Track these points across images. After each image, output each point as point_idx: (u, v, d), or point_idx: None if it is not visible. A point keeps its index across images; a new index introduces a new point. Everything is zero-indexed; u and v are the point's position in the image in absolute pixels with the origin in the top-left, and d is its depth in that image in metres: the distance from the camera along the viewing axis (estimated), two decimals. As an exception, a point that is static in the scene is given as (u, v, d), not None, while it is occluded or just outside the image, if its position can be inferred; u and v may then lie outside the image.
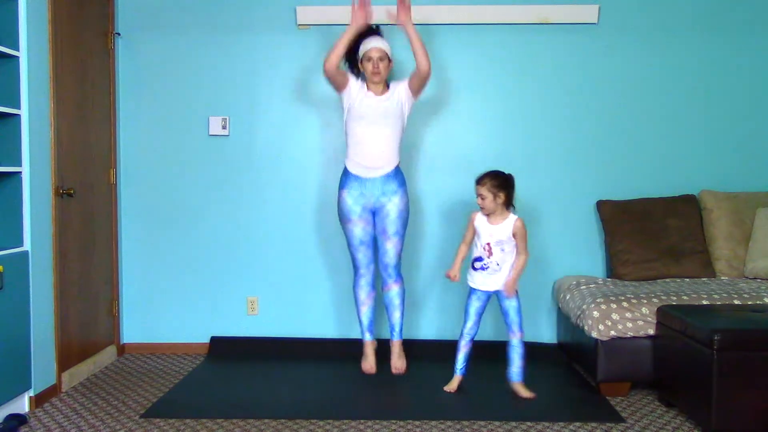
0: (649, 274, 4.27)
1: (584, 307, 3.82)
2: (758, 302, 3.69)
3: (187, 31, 4.59)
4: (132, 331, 4.68)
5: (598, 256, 4.60)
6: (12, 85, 3.49)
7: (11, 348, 3.39)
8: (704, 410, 3.16)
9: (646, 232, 4.34)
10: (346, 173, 3.97)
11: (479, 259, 3.71)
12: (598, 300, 3.77)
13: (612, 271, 4.41)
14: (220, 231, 4.64)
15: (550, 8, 4.49)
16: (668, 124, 4.57)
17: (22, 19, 3.50)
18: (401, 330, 4.09)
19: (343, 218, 3.99)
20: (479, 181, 3.68)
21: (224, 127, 4.60)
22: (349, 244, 4.01)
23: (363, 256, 3.99)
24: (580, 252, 4.60)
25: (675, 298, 3.74)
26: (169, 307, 4.67)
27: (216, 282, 4.66)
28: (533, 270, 4.59)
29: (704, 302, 3.71)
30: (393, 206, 3.93)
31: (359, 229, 3.95)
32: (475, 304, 3.79)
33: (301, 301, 4.65)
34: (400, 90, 3.94)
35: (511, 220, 3.68)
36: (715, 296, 3.76)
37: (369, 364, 4.07)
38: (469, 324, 3.80)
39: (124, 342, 4.67)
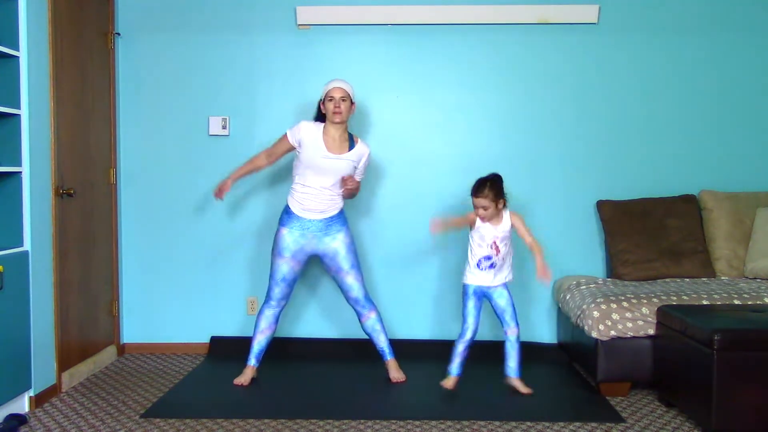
0: (649, 274, 4.27)
1: (584, 307, 3.82)
2: (758, 302, 3.69)
3: (187, 31, 4.59)
4: (132, 331, 4.68)
5: (598, 256, 4.60)
6: (12, 85, 3.49)
7: (11, 348, 3.39)
8: (704, 410, 3.16)
9: (646, 232, 4.34)
10: (287, 211, 3.93)
11: (488, 257, 3.71)
12: (598, 300, 3.77)
13: (612, 271, 4.41)
14: (220, 231, 4.64)
15: (550, 8, 4.49)
16: (668, 124, 4.57)
17: (22, 19, 3.50)
18: (391, 349, 4.06)
19: (275, 251, 3.94)
20: (478, 193, 3.64)
21: (224, 127, 4.60)
22: (271, 277, 3.96)
23: (279, 291, 3.96)
24: (580, 252, 4.60)
25: (675, 298, 3.74)
26: (169, 307, 4.67)
27: (216, 282, 4.66)
28: (533, 270, 4.58)
29: (704, 302, 3.71)
30: (340, 243, 3.92)
31: (287, 267, 3.92)
32: (476, 304, 3.78)
33: (301, 301, 4.65)
34: (356, 158, 3.90)
35: (507, 216, 3.72)
36: (715, 296, 3.76)
37: (244, 379, 3.96)
38: (471, 327, 3.76)
39: (124, 342, 4.67)
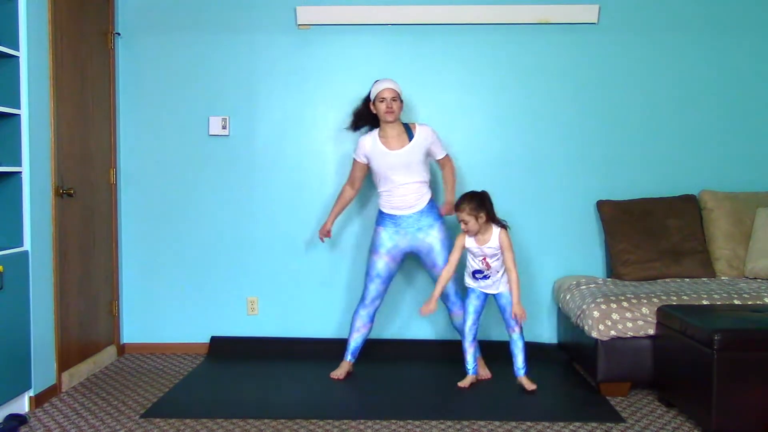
0: (649, 274, 4.27)
1: (584, 307, 3.82)
2: (758, 302, 3.69)
3: (187, 31, 4.59)
4: (132, 331, 4.68)
5: (598, 256, 4.60)
6: (12, 85, 3.49)
7: (11, 348, 3.39)
8: (704, 410, 3.16)
9: (646, 232, 4.34)
10: (380, 213, 4.04)
11: (479, 271, 3.80)
12: (598, 300, 3.77)
13: (612, 271, 4.41)
14: (220, 231, 4.64)
15: (550, 8, 4.49)
16: (669, 123, 4.57)
17: (22, 19, 3.50)
18: (478, 350, 4.07)
19: (372, 249, 4.05)
20: (457, 207, 3.74)
21: (224, 127, 4.60)
22: (367, 274, 4.05)
23: (375, 288, 4.03)
24: (580, 252, 4.60)
25: (675, 298, 3.74)
26: (169, 307, 4.67)
27: (216, 282, 4.66)
28: (533, 270, 4.60)
29: (704, 302, 3.71)
30: (434, 239, 3.97)
31: (382, 263, 4.00)
32: (474, 303, 3.87)
33: (301, 301, 4.65)
34: (421, 143, 3.96)
35: (495, 232, 3.75)
36: (715, 296, 3.76)
37: (338, 373, 4.06)
38: (469, 323, 3.87)
39: (124, 342, 4.67)
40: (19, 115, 3.51)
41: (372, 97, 3.99)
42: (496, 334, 4.53)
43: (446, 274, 3.86)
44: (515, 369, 3.84)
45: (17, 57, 3.49)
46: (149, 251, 4.65)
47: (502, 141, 4.59)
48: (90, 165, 4.23)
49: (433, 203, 4.03)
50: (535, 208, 4.58)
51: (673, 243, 4.31)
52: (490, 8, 4.49)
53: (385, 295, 4.13)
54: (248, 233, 4.64)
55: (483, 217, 3.71)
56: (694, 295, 3.77)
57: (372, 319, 4.10)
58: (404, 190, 3.94)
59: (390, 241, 3.98)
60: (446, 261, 3.94)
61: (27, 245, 3.55)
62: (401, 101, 3.99)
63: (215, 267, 4.65)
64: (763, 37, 4.55)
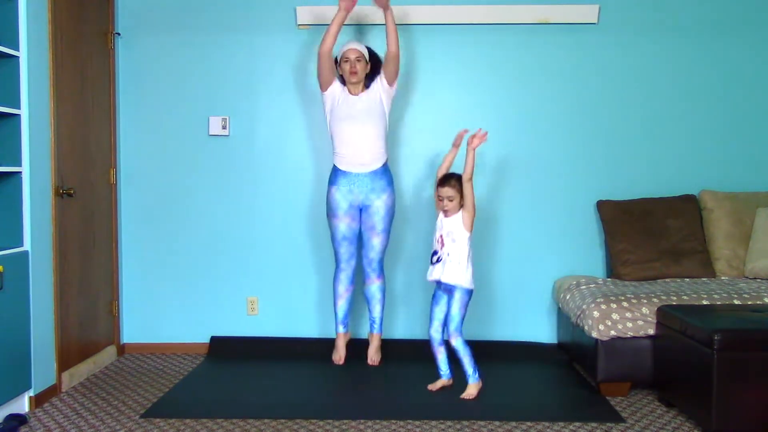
0: (649, 274, 4.27)
1: (584, 307, 3.82)
2: (758, 302, 3.69)
3: (187, 31, 4.59)
4: (132, 331, 4.68)
5: (598, 256, 4.60)
6: (12, 85, 3.49)
7: (11, 348, 3.39)
8: (704, 410, 3.16)
9: (646, 232, 4.34)
10: (335, 170, 4.09)
11: (435, 252, 3.74)
12: (598, 300, 3.77)
13: (612, 271, 4.41)
14: (220, 231, 4.64)
15: (550, 8, 4.49)
16: (669, 124, 4.57)
17: (22, 19, 3.50)
18: (381, 324, 4.21)
19: (329, 213, 4.12)
20: (444, 183, 3.69)
21: (224, 127, 4.60)
22: (333, 238, 4.14)
23: (345, 250, 4.11)
24: (580, 252, 4.60)
25: (675, 298, 3.74)
26: (169, 307, 4.67)
27: (216, 282, 4.66)
28: (533, 270, 4.60)
29: (704, 302, 3.71)
30: (381, 203, 4.05)
31: (344, 225, 4.06)
32: (436, 308, 3.78)
33: (301, 301, 4.65)
34: (377, 85, 4.07)
35: (459, 212, 3.70)
36: (715, 296, 3.76)
37: (339, 355, 4.19)
38: (432, 328, 3.79)
39: (124, 342, 4.67)
40: (19, 115, 3.51)
41: (338, 58, 4.05)
42: (497, 334, 4.53)
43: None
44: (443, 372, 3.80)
45: (17, 57, 3.49)
46: (149, 251, 4.65)
47: (501, 141, 4.58)
48: (90, 165, 4.23)
49: (387, 167, 4.10)
50: (535, 208, 4.58)
51: (673, 243, 4.31)
52: (490, 8, 4.49)
53: (356, 256, 4.16)
54: (248, 233, 4.64)
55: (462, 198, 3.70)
56: (694, 295, 3.77)
57: (352, 281, 4.16)
58: (362, 143, 3.98)
59: (344, 201, 4.04)
60: (384, 229, 4.06)
61: (27, 245, 3.55)
62: (367, 62, 4.05)
63: (215, 267, 4.65)
64: (763, 38, 4.55)
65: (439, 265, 3.71)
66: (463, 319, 3.70)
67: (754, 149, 4.57)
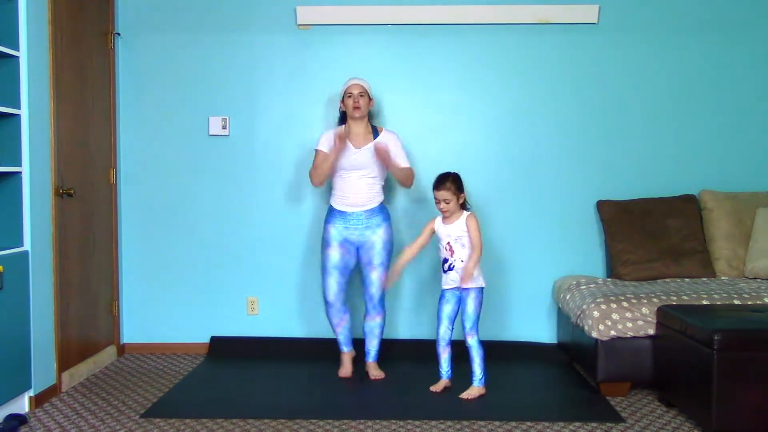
0: (649, 274, 4.27)
1: (584, 307, 3.82)
2: (758, 302, 3.69)
3: (187, 31, 4.59)
4: (132, 331, 4.68)
5: (598, 256, 4.60)
6: (12, 85, 3.48)
7: (11, 348, 3.39)
8: (704, 410, 3.16)
9: (646, 232, 4.34)
10: (331, 210, 4.06)
11: (445, 260, 3.75)
12: (598, 300, 3.77)
13: (612, 271, 4.41)
14: (220, 231, 4.64)
15: (550, 8, 4.49)
16: (668, 123, 4.57)
17: (22, 19, 3.50)
18: (377, 354, 4.15)
19: (323, 244, 4.06)
20: (440, 185, 3.69)
21: (224, 127, 4.60)
22: (323, 268, 4.05)
23: (334, 281, 4.02)
24: (580, 252, 4.60)
25: (675, 298, 3.74)
26: (169, 307, 4.67)
27: (216, 282, 4.66)
28: (533, 270, 4.60)
29: (704, 302, 3.71)
30: (378, 238, 4.01)
31: (337, 254, 4.01)
32: (445, 308, 3.79)
33: (301, 301, 4.65)
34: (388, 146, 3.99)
35: (463, 216, 3.71)
36: (715, 296, 3.76)
37: (345, 370, 4.13)
38: (442, 328, 3.80)
39: (124, 342, 4.67)
40: (19, 115, 3.51)
41: (341, 93, 4.04)
42: (497, 334, 4.53)
43: (409, 251, 3.84)
44: (472, 376, 3.75)
45: (17, 57, 3.49)
46: (149, 251, 4.65)
47: (501, 141, 4.59)
48: (90, 165, 4.23)
49: (384, 206, 4.07)
50: (535, 208, 4.58)
51: (673, 243, 4.31)
52: (490, 8, 4.49)
53: (347, 289, 4.10)
54: (248, 233, 4.64)
55: (462, 197, 3.71)
56: (694, 295, 3.77)
57: (345, 310, 4.11)
58: (358, 188, 3.96)
59: (339, 235, 4.00)
60: (382, 263, 3.99)
61: (27, 245, 3.55)
62: (370, 98, 4.04)
63: (215, 267, 4.65)
64: (763, 37, 4.55)
65: (453, 273, 3.72)
66: (479, 317, 3.73)
67: (754, 149, 4.57)
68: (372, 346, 4.13)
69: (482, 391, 3.73)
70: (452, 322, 3.80)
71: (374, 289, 4.05)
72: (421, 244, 3.85)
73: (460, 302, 3.76)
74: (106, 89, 4.45)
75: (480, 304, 3.74)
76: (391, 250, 4.08)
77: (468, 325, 3.72)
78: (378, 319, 4.10)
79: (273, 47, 4.59)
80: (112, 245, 4.52)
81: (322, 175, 4.00)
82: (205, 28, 4.58)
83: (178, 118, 4.62)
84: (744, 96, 4.56)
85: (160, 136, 4.63)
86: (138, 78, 4.61)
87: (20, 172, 3.52)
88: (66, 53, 3.91)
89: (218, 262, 4.65)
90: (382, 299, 4.09)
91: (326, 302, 4.09)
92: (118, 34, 4.56)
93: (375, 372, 4.09)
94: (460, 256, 3.70)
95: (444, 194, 3.68)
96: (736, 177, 4.55)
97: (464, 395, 3.69)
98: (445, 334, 3.80)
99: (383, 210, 4.06)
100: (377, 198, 4.03)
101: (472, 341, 3.73)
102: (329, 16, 4.52)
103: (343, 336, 4.14)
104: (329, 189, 4.15)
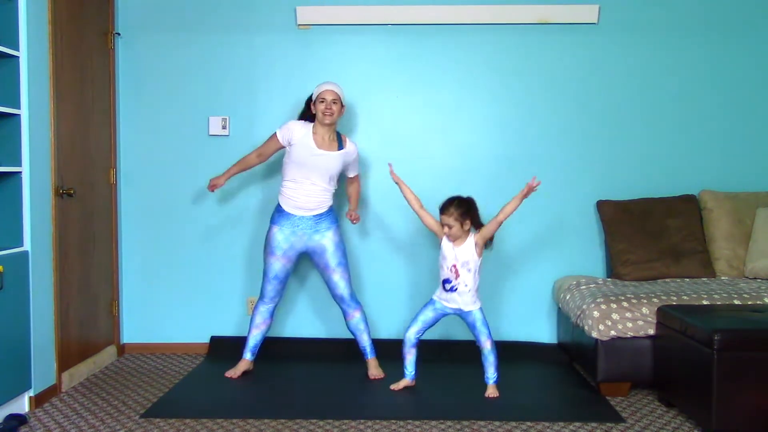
0: (649, 274, 4.27)
1: (584, 307, 3.82)
2: (758, 302, 3.69)
3: (187, 31, 4.59)
4: (132, 331, 4.68)
5: (598, 256, 4.60)
6: (12, 85, 3.48)
7: (11, 348, 3.39)
8: (704, 410, 3.16)
9: (646, 232, 4.34)
10: (279, 210, 4.03)
11: (448, 281, 3.72)
12: (598, 300, 3.77)
13: (612, 271, 4.41)
14: (220, 231, 4.64)
15: (550, 8, 4.49)
16: (668, 124, 4.57)
17: (22, 19, 3.49)
18: (372, 347, 4.14)
19: (267, 249, 4.03)
20: (444, 210, 3.68)
21: (224, 127, 4.61)
22: (265, 274, 4.06)
23: (272, 289, 4.07)
24: (580, 252, 4.60)
25: (675, 298, 3.74)
26: (169, 307, 4.67)
27: (216, 282, 4.66)
28: (533, 270, 4.60)
29: (704, 302, 3.71)
30: (328, 241, 4.01)
31: (279, 265, 4.02)
32: (427, 314, 3.81)
33: (300, 301, 4.65)
34: (347, 155, 4.03)
35: (471, 239, 3.69)
36: (715, 296, 3.76)
37: (234, 372, 4.09)
38: (413, 330, 3.82)
39: (124, 342, 4.67)
40: (19, 115, 3.50)
41: (314, 97, 4.01)
42: (497, 334, 4.52)
43: (412, 195, 3.83)
44: (485, 377, 3.77)
45: (17, 57, 3.49)
46: (149, 251, 4.65)
47: (501, 141, 4.59)
48: (90, 165, 4.23)
49: (332, 209, 4.07)
50: (535, 208, 4.57)
51: (673, 243, 4.31)
52: (490, 8, 4.49)
53: (283, 293, 4.19)
54: (248, 233, 4.64)
55: (468, 224, 3.67)
56: (694, 295, 3.77)
57: (272, 316, 4.15)
58: (313, 191, 3.95)
59: (285, 242, 3.98)
60: (339, 263, 4.01)
61: (27, 245, 3.55)
62: (342, 105, 4.01)
63: (215, 267, 4.65)
64: (763, 38, 4.55)
65: (455, 295, 3.71)
66: (488, 325, 3.76)
67: (754, 149, 4.57)
68: (365, 343, 4.12)
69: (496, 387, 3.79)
70: (426, 329, 3.83)
71: (340, 290, 4.05)
72: (423, 214, 3.80)
73: (442, 317, 3.81)
74: (106, 89, 4.45)
75: (484, 316, 3.76)
76: (345, 249, 4.09)
77: (483, 338, 3.73)
78: (357, 315, 4.10)
79: (273, 47, 4.59)
80: (112, 245, 4.52)
81: (238, 170, 4.16)
82: (205, 28, 4.59)
83: (178, 118, 4.62)
84: (744, 96, 4.56)
85: (160, 136, 4.63)
86: (138, 78, 4.61)
87: (20, 172, 3.52)
88: (66, 53, 3.91)
89: (218, 263, 4.65)
90: (353, 295, 4.10)
91: (261, 300, 4.09)
92: (118, 34, 4.56)
93: (375, 371, 4.09)
94: (465, 281, 3.68)
95: (446, 219, 3.66)
96: (736, 177, 4.55)
97: (489, 394, 3.71)
98: (413, 335, 3.82)
99: (330, 213, 4.05)
100: (327, 203, 4.02)
101: (491, 346, 3.74)
102: (329, 16, 4.52)
103: (254, 340, 4.11)
104: (279, 186, 4.10)
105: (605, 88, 4.56)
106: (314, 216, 3.98)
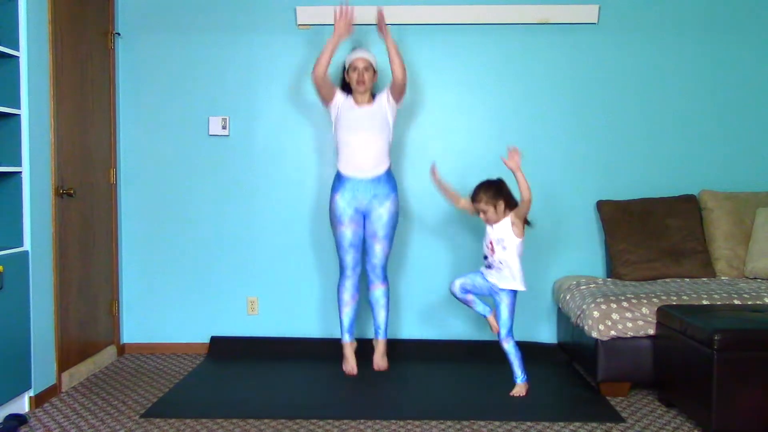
0: (649, 274, 4.27)
1: (584, 307, 3.82)
2: (758, 302, 3.69)
3: (187, 31, 4.59)
4: (132, 331, 4.68)
5: (598, 256, 4.60)
6: (12, 85, 3.49)
7: (11, 348, 3.39)
8: (704, 410, 3.16)
9: (646, 232, 4.34)
10: (338, 176, 4.06)
11: (486, 257, 3.77)
12: (598, 300, 3.77)
13: (612, 271, 4.41)
14: (220, 231, 4.65)
15: (550, 8, 4.49)
16: (668, 123, 4.57)
17: (22, 19, 3.50)
18: (386, 329, 4.16)
19: (334, 220, 4.07)
20: (474, 198, 3.71)
21: (224, 127, 4.60)
22: (339, 246, 4.08)
23: (351, 258, 4.07)
24: (580, 252, 4.60)
25: (675, 298, 3.74)
26: (169, 307, 4.67)
27: (216, 282, 4.66)
28: (533, 270, 4.59)
29: (704, 302, 3.71)
30: (384, 210, 4.02)
31: (350, 232, 4.03)
32: (475, 278, 3.80)
33: (301, 301, 4.65)
34: (383, 99, 4.06)
35: (507, 220, 3.71)
36: (715, 296, 3.76)
37: (350, 365, 4.11)
38: (460, 280, 3.80)
39: (124, 342, 4.67)
40: (19, 115, 3.51)
41: (346, 65, 4.04)
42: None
43: (447, 188, 3.91)
44: (514, 376, 3.78)
45: (17, 57, 3.49)
46: (149, 251, 4.65)
47: (501, 141, 4.56)
48: (90, 165, 4.23)
49: (390, 173, 4.08)
50: (535, 208, 4.53)
51: (673, 243, 4.31)
52: (490, 8, 4.49)
53: (363, 262, 4.14)
54: (248, 233, 4.64)
55: (501, 205, 3.68)
56: (694, 295, 3.77)
57: (358, 289, 4.13)
58: (366, 150, 3.97)
59: (350, 207, 4.01)
60: (386, 236, 4.03)
61: (27, 245, 3.55)
62: (375, 71, 4.03)
63: (215, 267, 4.65)
64: (763, 37, 4.55)
65: (493, 272, 3.74)
66: (512, 322, 3.75)
67: (754, 149, 4.57)
68: (380, 320, 4.12)
69: (527, 385, 3.77)
70: (470, 290, 3.80)
71: (377, 260, 4.07)
72: (456, 199, 3.89)
73: (491, 297, 3.80)
74: (106, 89, 4.45)
75: (513, 310, 3.75)
76: (396, 222, 4.09)
77: (504, 331, 3.74)
78: (382, 288, 4.10)
79: (273, 47, 4.59)
80: (112, 245, 4.52)
81: (323, 63, 3.93)
82: (205, 28, 4.58)
83: (178, 118, 4.62)
84: (744, 96, 4.56)
85: (160, 136, 4.63)
86: (138, 78, 4.61)
87: (20, 172, 3.52)
88: (66, 53, 3.91)
89: (218, 262, 4.65)
90: (384, 268, 4.10)
91: (343, 274, 4.09)
92: (118, 34, 4.56)
93: (380, 361, 4.09)
94: (500, 257, 3.70)
95: (479, 206, 3.70)
96: (736, 177, 4.55)
97: (515, 393, 3.72)
98: (458, 285, 3.79)
99: (390, 178, 4.06)
100: (384, 163, 4.02)
101: (509, 346, 3.75)
102: (329, 16, 4.48)
103: (348, 319, 4.11)
104: (336, 154, 4.13)
105: (605, 88, 4.56)
106: (373, 179, 3.98)
